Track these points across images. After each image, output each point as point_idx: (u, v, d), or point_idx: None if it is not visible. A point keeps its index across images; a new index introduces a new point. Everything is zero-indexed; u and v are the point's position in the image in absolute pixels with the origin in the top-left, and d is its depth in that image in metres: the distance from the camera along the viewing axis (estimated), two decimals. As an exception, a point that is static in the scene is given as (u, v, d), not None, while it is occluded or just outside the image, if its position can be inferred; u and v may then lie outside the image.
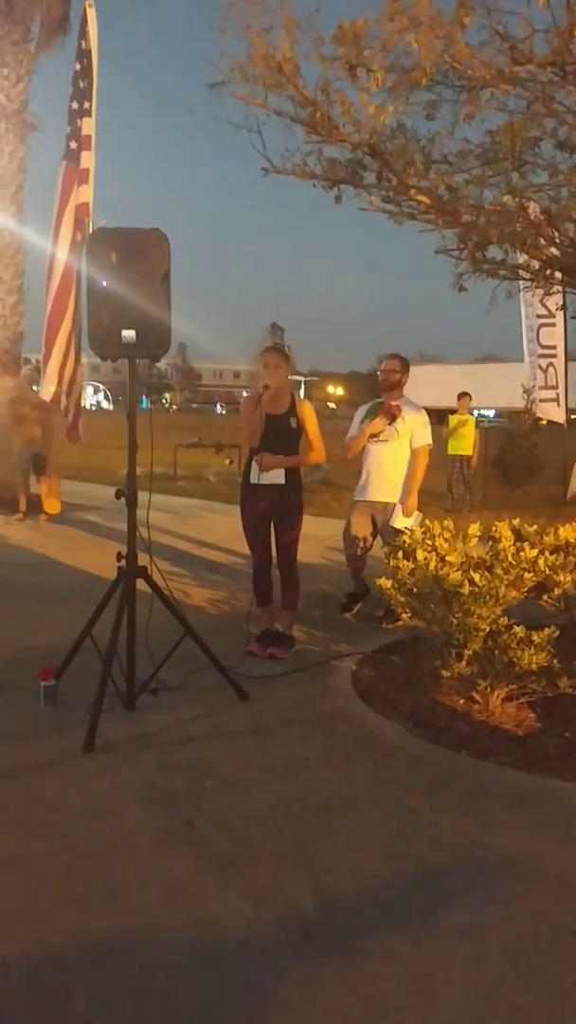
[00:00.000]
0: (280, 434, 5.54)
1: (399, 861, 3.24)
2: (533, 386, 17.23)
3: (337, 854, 3.26)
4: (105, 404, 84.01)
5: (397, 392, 6.59)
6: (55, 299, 8.65)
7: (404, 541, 4.94)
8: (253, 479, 5.58)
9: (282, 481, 5.54)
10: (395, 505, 6.46)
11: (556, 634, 4.40)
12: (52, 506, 11.45)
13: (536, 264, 6.05)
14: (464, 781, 3.89)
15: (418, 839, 3.39)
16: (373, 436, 6.47)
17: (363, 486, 6.62)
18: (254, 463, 5.56)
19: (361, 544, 6.60)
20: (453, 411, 14.65)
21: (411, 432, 6.42)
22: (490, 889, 3.05)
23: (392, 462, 6.46)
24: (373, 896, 2.99)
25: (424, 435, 6.45)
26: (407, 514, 6.40)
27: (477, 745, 4.21)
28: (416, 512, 6.45)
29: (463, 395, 14.57)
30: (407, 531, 5.15)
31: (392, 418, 6.42)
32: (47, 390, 8.75)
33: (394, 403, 6.51)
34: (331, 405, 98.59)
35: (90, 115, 8.67)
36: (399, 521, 6.34)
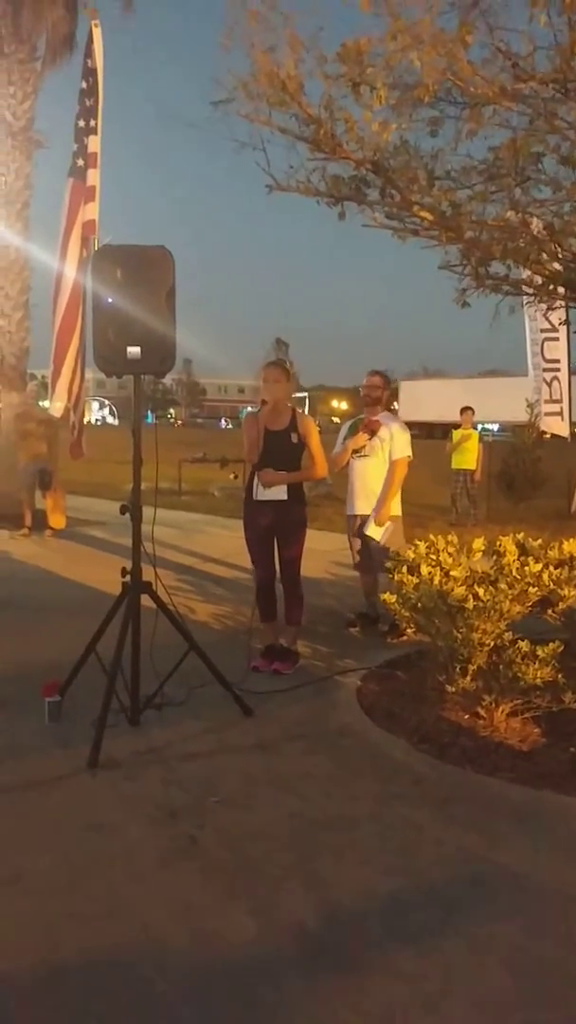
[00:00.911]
0: (281, 450, 5.56)
1: (404, 877, 3.22)
2: (537, 400, 17.24)
3: (342, 870, 3.25)
4: (110, 419, 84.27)
5: (379, 407, 6.75)
6: (64, 315, 8.70)
7: (409, 556, 4.95)
8: (256, 495, 5.60)
9: (284, 496, 5.55)
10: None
11: (561, 649, 4.38)
12: (57, 521, 11.47)
13: (539, 279, 6.06)
14: (469, 797, 3.88)
15: (423, 855, 3.38)
16: (356, 451, 6.60)
17: (349, 500, 6.77)
18: (257, 479, 5.57)
19: (355, 557, 6.77)
20: (457, 425, 14.67)
21: (391, 445, 6.54)
22: (495, 905, 3.04)
23: (374, 476, 6.58)
24: (378, 912, 2.98)
25: (403, 448, 6.56)
26: (379, 523, 6.51)
27: (482, 760, 4.19)
28: (388, 523, 6.54)
29: (466, 409, 14.58)
30: (394, 556, 5.16)
31: (372, 433, 6.56)
32: (57, 406, 8.80)
33: (375, 418, 6.63)
34: (335, 419, 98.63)
35: (96, 133, 8.73)
36: (370, 529, 6.50)
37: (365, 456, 6.58)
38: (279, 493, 5.54)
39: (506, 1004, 2.53)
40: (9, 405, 12.68)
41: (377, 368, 7.11)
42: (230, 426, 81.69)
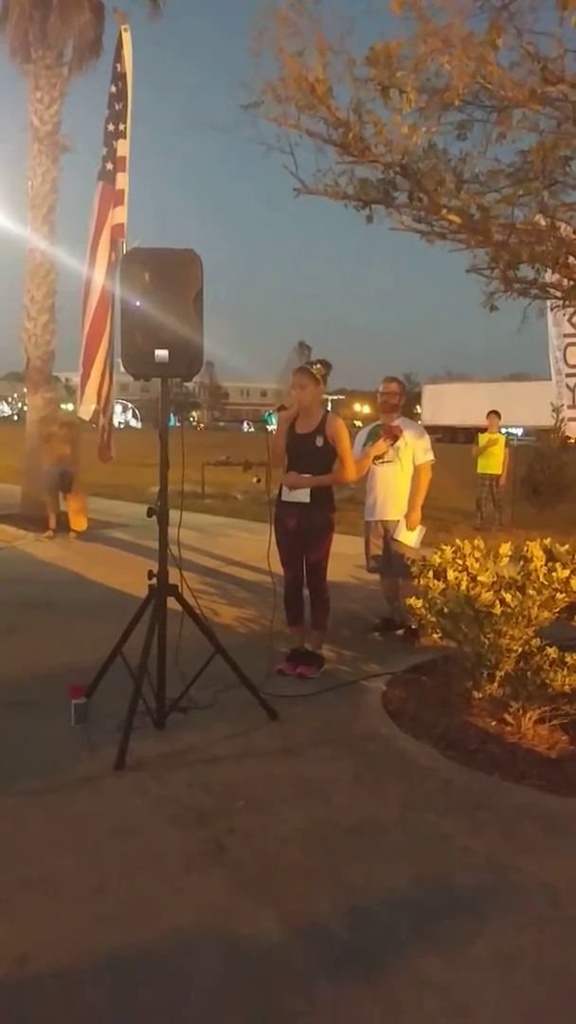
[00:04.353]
0: (305, 453, 5.57)
1: (432, 884, 3.20)
2: (561, 405, 17.11)
3: (369, 876, 3.23)
4: (134, 422, 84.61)
5: (396, 414, 6.80)
6: (93, 318, 8.69)
7: (435, 560, 4.92)
8: (284, 496, 5.62)
9: (307, 500, 5.54)
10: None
11: (589, 655, 4.34)
12: (79, 523, 11.51)
13: (567, 283, 6.03)
14: (496, 804, 3.85)
15: (451, 862, 3.36)
16: (377, 458, 6.61)
17: (371, 506, 6.79)
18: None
19: (375, 563, 6.81)
20: (482, 429, 14.62)
21: (412, 450, 6.60)
22: (524, 914, 3.01)
23: (398, 481, 6.63)
24: (405, 920, 2.96)
25: (425, 452, 6.65)
26: (410, 528, 6.58)
27: (509, 767, 4.17)
28: (419, 526, 6.62)
29: (492, 413, 14.53)
30: (420, 557, 5.17)
31: (394, 439, 6.60)
32: (87, 408, 8.81)
33: (394, 424, 6.66)
34: (357, 423, 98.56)
35: (125, 137, 8.72)
36: (403, 535, 6.55)
37: (388, 462, 6.61)
38: (302, 496, 5.54)
39: (535, 1015, 2.51)
40: (33, 408, 12.76)
41: (395, 374, 7.13)
42: (252, 429, 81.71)
